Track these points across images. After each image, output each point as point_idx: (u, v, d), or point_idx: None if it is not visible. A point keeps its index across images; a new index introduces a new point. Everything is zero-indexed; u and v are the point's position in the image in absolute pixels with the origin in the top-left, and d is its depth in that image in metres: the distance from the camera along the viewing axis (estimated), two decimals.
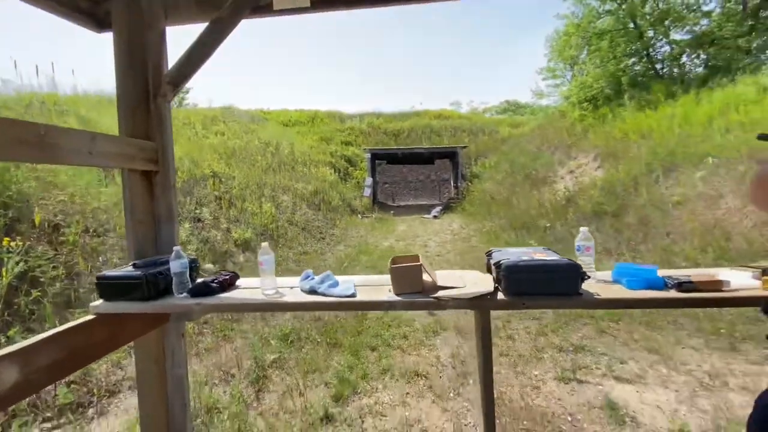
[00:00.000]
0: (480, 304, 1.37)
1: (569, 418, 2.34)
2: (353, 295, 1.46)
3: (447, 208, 14.72)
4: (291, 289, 1.63)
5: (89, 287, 2.87)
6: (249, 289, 1.68)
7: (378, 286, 1.60)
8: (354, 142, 18.96)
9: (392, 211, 14.96)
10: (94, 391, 2.46)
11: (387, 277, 1.74)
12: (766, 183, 0.99)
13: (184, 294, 1.60)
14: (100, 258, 3.21)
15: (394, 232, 10.36)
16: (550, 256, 1.42)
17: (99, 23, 1.92)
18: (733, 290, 1.29)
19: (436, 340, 3.49)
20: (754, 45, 9.43)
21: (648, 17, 11.51)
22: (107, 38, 1.91)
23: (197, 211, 5.86)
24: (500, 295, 1.38)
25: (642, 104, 9.91)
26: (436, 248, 7.84)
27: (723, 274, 1.45)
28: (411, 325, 3.76)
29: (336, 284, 1.57)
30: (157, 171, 1.91)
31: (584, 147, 10.52)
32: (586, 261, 1.53)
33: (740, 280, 1.36)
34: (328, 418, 2.39)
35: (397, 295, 1.44)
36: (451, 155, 17.14)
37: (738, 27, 9.53)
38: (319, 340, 3.50)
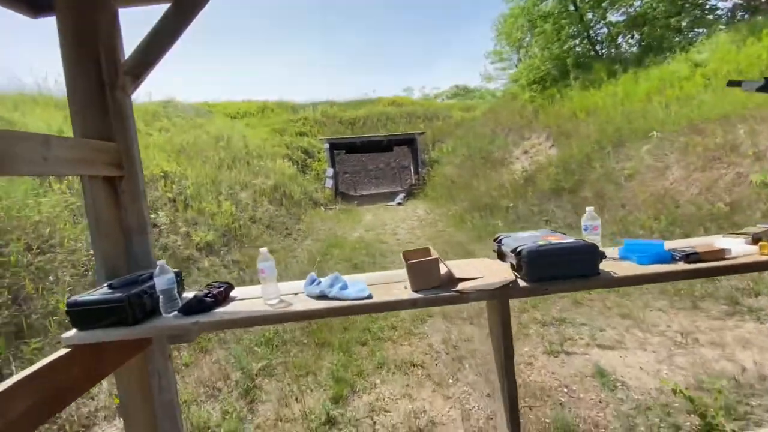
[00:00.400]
0: (503, 293, 1.33)
1: (565, 390, 2.43)
2: (369, 297, 1.37)
3: (410, 194, 14.82)
4: (296, 296, 1.50)
5: (42, 312, 2.52)
6: (248, 300, 1.53)
7: (389, 284, 1.52)
8: (309, 132, 18.40)
9: (356, 201, 14.81)
10: (66, 428, 2.17)
11: (395, 273, 1.67)
12: None
13: (174, 313, 1.42)
14: (50, 277, 2.82)
15: (361, 222, 10.26)
16: (564, 239, 1.42)
17: (34, 6, 1.62)
18: (734, 258, 1.36)
19: (425, 328, 3.49)
20: (684, 24, 10.23)
21: (587, 0, 12.10)
22: (40, 24, 1.62)
23: (152, 216, 5.38)
24: (521, 282, 1.35)
25: (586, 84, 10.47)
26: (406, 235, 7.86)
27: (719, 242, 1.54)
28: (397, 315, 3.73)
29: (346, 286, 1.47)
30: (122, 176, 1.67)
31: (536, 127, 10.97)
32: (593, 240, 1.55)
33: (737, 247, 1.44)
34: (331, 422, 2.30)
35: (415, 291, 1.37)
36: (409, 142, 17.21)
37: (670, 6, 10.28)
38: (305, 341, 3.37)
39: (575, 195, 6.84)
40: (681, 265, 1.37)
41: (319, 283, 1.51)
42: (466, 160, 12.25)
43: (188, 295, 1.60)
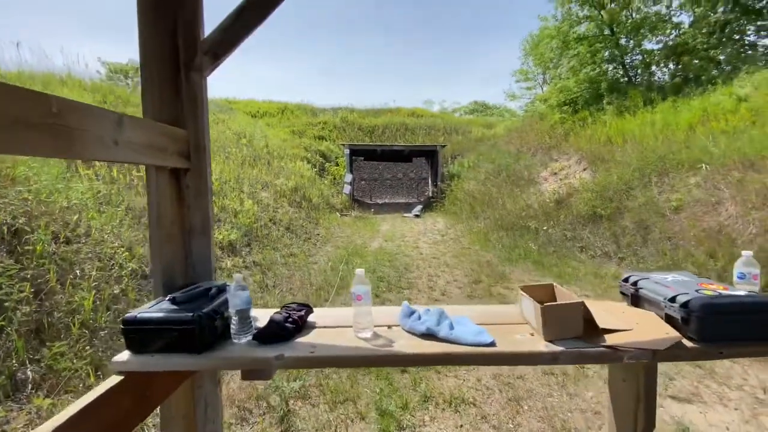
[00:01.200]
0: (669, 355, 1.07)
1: None
2: (493, 344, 1.11)
3: (427, 206, 14.56)
4: (391, 329, 1.25)
5: (65, 310, 2.28)
6: (332, 329, 1.27)
7: (505, 325, 1.26)
8: (328, 136, 18.31)
9: (372, 209, 14.58)
10: None
11: (504, 310, 1.41)
12: None
13: (247, 339, 1.17)
14: (76, 270, 2.60)
15: (379, 232, 10.00)
16: (733, 290, 1.15)
17: None
18: None
19: None
20: (722, 57, 9.97)
21: (625, 25, 11.91)
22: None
23: None
24: (686, 342, 1.08)
25: (621, 110, 10.21)
26: (429, 250, 7.58)
27: None
28: None
29: (452, 325, 1.21)
30: (187, 169, 1.45)
31: (566, 150, 10.70)
32: (753, 290, 1.27)
33: None
34: None
35: (551, 341, 1.11)
36: (430, 154, 17.00)
37: (708, 39, 10.04)
38: None
39: (614, 223, 6.52)
40: None
41: (419, 316, 1.26)
42: (489, 177, 11.98)
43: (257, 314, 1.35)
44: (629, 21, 12.07)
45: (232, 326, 1.17)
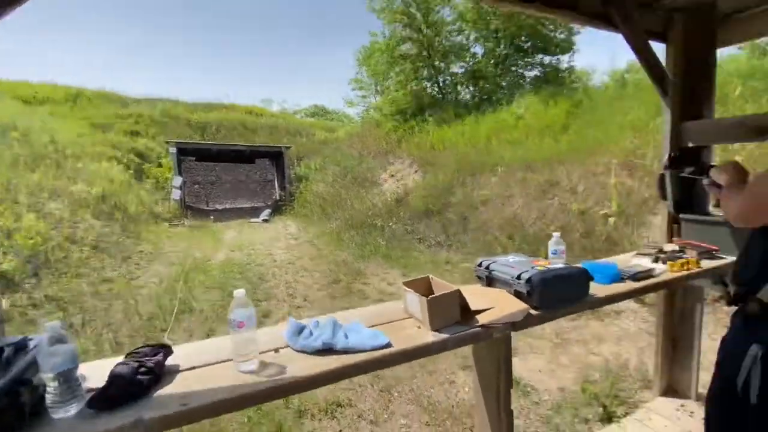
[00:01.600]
0: (522, 324, 1.29)
1: None
2: (389, 345, 1.11)
3: (276, 210, 13.94)
4: (276, 353, 1.11)
5: None
6: (203, 368, 1.04)
7: (392, 323, 1.29)
8: (145, 132, 15.36)
9: (211, 216, 13.02)
10: None
11: (384, 308, 1.44)
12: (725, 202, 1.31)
13: (78, 409, 0.85)
14: None
15: (222, 241, 9.02)
16: (554, 264, 1.48)
17: None
18: (658, 275, 1.68)
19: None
20: (504, 83, 13.00)
21: (438, 49, 14.11)
22: None
23: None
24: (532, 311, 1.33)
25: (440, 122, 12.08)
26: (284, 256, 7.27)
27: (635, 261, 1.87)
28: None
29: (346, 334, 1.17)
30: None
31: (399, 154, 11.98)
32: (562, 262, 1.67)
33: (649, 264, 1.78)
34: None
35: (436, 330, 1.19)
36: (275, 155, 16.31)
37: (495, 68, 12.91)
38: None
39: (442, 216, 7.66)
40: (631, 284, 1.60)
41: (311, 332, 1.16)
42: (336, 179, 12.34)
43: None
44: (440, 46, 14.40)
45: (48, 396, 0.82)
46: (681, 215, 2.17)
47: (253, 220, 12.53)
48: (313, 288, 5.24)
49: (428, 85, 14.71)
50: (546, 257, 1.64)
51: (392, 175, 11.35)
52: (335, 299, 4.73)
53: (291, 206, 13.36)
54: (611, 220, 5.05)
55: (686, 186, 2.23)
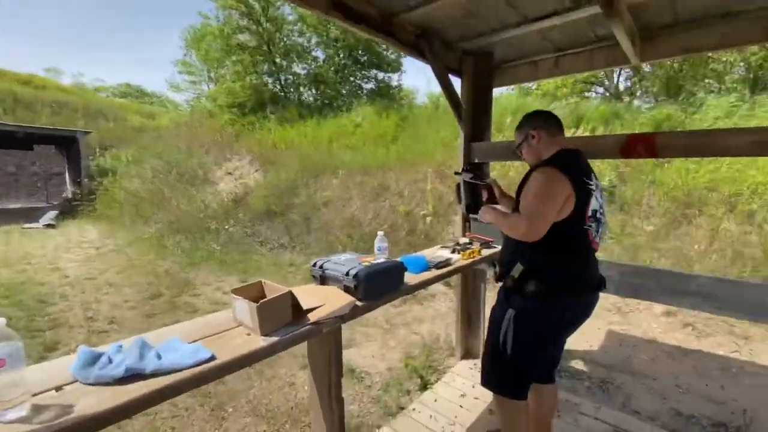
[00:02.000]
0: (349, 316, 1.41)
1: None
2: (212, 358, 1.05)
3: (68, 212, 10.87)
4: (59, 391, 0.90)
5: None
6: None
7: (218, 335, 1.22)
8: None
9: None
10: None
11: (211, 319, 1.34)
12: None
13: None
14: None
15: None
16: (377, 259, 1.67)
17: None
18: (454, 263, 2.10)
19: None
20: (344, 91, 13.66)
21: (279, 46, 13.75)
22: None
23: None
24: (358, 303, 1.47)
25: (282, 120, 11.81)
26: (79, 270, 5.76)
27: (439, 252, 2.29)
28: None
29: (159, 355, 1.04)
30: None
31: (237, 150, 11.15)
32: (385, 257, 1.90)
33: (448, 255, 2.22)
34: None
35: (267, 335, 1.19)
36: (65, 141, 12.68)
37: (336, 75, 13.44)
38: None
39: (285, 217, 7.52)
40: (435, 271, 1.95)
41: (110, 359, 0.99)
42: (158, 175, 10.53)
43: None
44: (282, 44, 14.09)
45: None
46: (470, 215, 2.76)
47: (29, 225, 9.47)
48: (122, 307, 4.35)
49: (269, 81, 14.17)
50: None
51: (229, 173, 10.46)
52: (154, 317, 4.06)
53: (91, 207, 10.70)
54: (428, 219, 5.99)
55: (474, 193, 2.85)
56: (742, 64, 7.78)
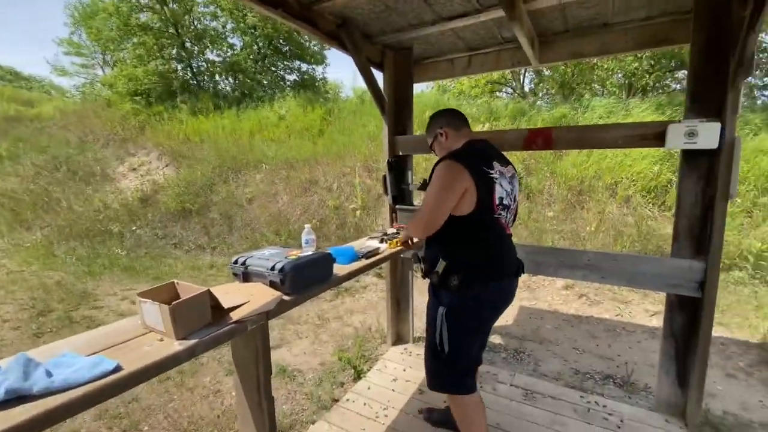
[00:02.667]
0: (276, 311, 1.36)
1: None
2: (118, 368, 0.94)
3: None
4: None
5: None
6: None
7: (125, 343, 1.10)
8: None
9: None
10: None
11: (117, 327, 1.20)
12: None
13: None
14: None
15: None
16: (304, 251, 1.64)
17: None
18: (382, 252, 2.15)
19: None
20: (266, 81, 12.98)
21: (189, 30, 12.57)
22: None
23: None
24: (285, 297, 1.44)
25: (195, 111, 10.86)
26: None
27: (369, 243, 2.32)
28: None
29: (50, 371, 0.91)
30: None
31: (143, 144, 10.01)
32: (313, 250, 1.87)
33: (376, 244, 2.26)
34: None
35: (184, 338, 1.10)
36: None
37: (255, 65, 12.70)
38: None
39: (203, 216, 6.96)
40: (363, 261, 1.98)
41: None
42: (42, 172, 8.99)
43: None
44: (193, 27, 12.90)
45: None
46: (397, 206, 2.85)
47: None
48: (3, 328, 3.68)
49: (179, 68, 12.90)
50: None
51: (134, 169, 9.35)
52: (43, 336, 3.50)
53: None
54: (357, 212, 6.03)
55: (399, 185, 2.95)
56: (619, 71, 9.12)
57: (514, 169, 1.68)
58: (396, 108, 2.89)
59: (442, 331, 1.54)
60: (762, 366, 2.81)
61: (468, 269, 1.49)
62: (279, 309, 1.39)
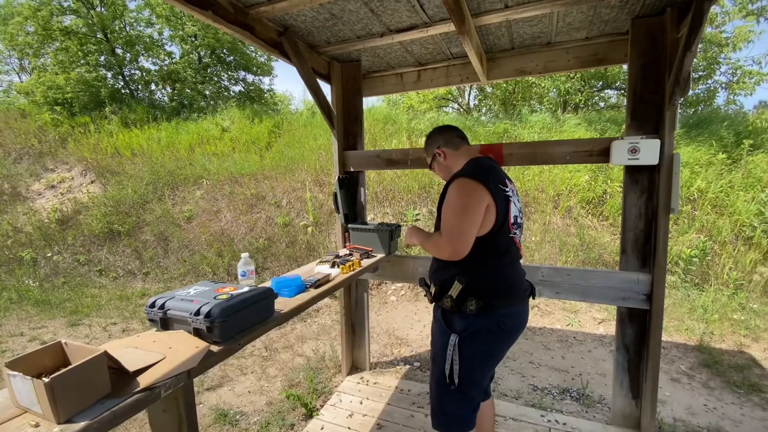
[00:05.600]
0: (201, 367, 1.12)
1: None
2: None
3: None
4: None
5: None
6: None
7: None
8: None
9: None
10: None
11: None
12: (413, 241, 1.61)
13: None
14: None
15: None
16: (239, 288, 1.41)
17: None
18: (334, 278, 1.96)
19: None
20: (207, 92, 12.28)
21: (120, 35, 11.62)
22: None
23: None
24: (214, 347, 1.20)
25: (127, 122, 9.96)
26: None
27: (318, 269, 2.12)
28: None
29: None
30: None
31: (64, 158, 8.96)
32: (251, 283, 1.64)
33: (332, 271, 2.07)
34: None
35: (69, 421, 0.84)
36: None
37: (196, 74, 11.99)
38: None
39: (134, 238, 6.27)
40: (311, 292, 1.78)
41: None
42: None
43: None
44: (124, 33, 11.93)
45: None
46: (349, 225, 2.68)
47: None
48: None
49: (109, 76, 11.83)
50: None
51: (52, 187, 8.29)
52: None
53: None
54: (309, 229, 5.76)
55: (352, 202, 2.78)
56: (554, 89, 9.78)
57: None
58: (345, 122, 2.75)
59: (453, 361, 1.38)
60: (702, 368, 2.98)
61: (486, 292, 1.36)
62: (206, 364, 1.15)
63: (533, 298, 1.55)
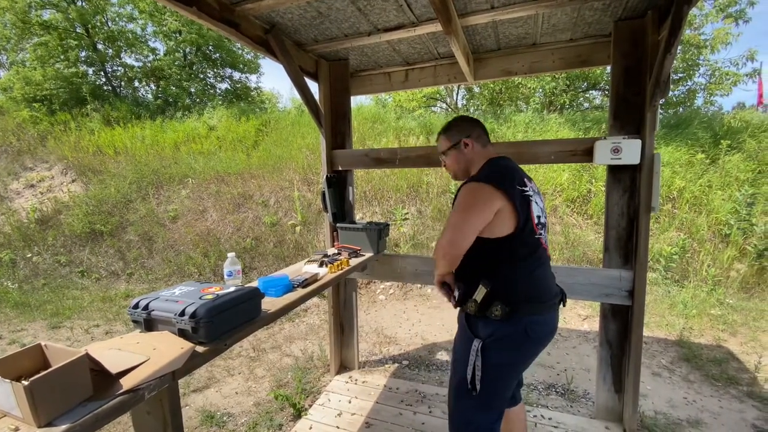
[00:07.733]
0: (187, 368, 1.11)
1: None
2: None
3: None
4: None
5: None
6: None
7: None
8: None
9: None
10: None
11: None
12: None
13: None
14: None
15: None
16: (225, 288, 1.40)
17: None
18: (322, 278, 1.96)
19: None
20: (192, 90, 12.07)
21: (102, 30, 11.34)
22: None
23: None
24: (200, 348, 1.18)
25: (109, 120, 9.73)
26: None
27: (306, 268, 2.11)
28: None
29: None
30: None
31: (44, 156, 8.71)
32: (238, 283, 1.63)
33: (320, 270, 2.06)
34: None
35: (49, 425, 0.82)
36: None
37: (181, 71, 11.78)
38: None
39: (117, 238, 6.13)
40: (301, 291, 1.77)
41: None
42: None
43: None
44: (106, 28, 11.64)
45: None
46: (338, 224, 2.67)
47: None
48: None
49: (91, 72, 11.54)
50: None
51: (31, 186, 8.06)
52: None
53: None
54: (297, 229, 5.72)
55: (340, 201, 2.78)
56: (540, 90, 9.92)
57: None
58: (333, 120, 2.74)
59: (475, 367, 1.32)
60: (681, 362, 3.06)
61: (513, 297, 1.31)
62: (191, 365, 1.14)
63: (563, 305, 1.47)
